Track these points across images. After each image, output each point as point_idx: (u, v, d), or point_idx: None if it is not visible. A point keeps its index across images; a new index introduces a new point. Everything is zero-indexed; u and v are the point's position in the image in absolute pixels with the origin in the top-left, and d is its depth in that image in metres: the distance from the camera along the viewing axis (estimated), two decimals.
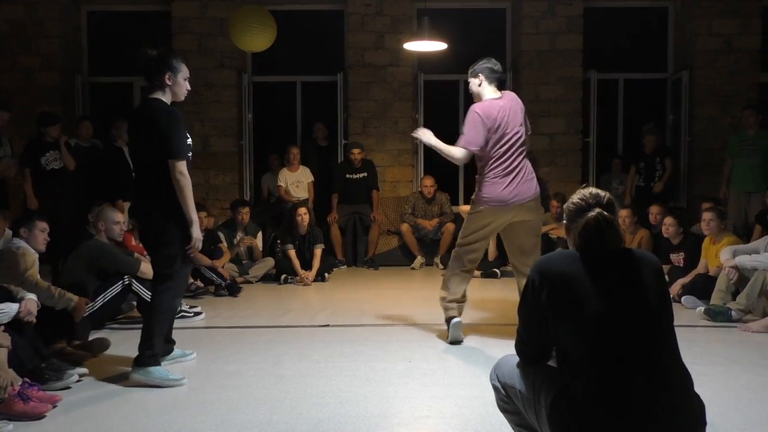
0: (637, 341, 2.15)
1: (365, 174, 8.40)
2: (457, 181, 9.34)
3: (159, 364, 3.80)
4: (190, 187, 3.71)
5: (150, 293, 4.31)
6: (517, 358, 2.47)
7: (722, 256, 5.44)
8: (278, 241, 7.60)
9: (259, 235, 7.63)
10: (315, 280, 7.17)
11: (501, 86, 4.58)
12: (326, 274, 7.37)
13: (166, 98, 3.81)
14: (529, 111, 4.84)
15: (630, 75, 9.43)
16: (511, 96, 4.54)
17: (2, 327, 3.44)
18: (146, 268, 4.91)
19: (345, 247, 8.37)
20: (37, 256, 4.53)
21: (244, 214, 7.33)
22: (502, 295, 6.24)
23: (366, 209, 8.40)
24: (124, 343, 4.57)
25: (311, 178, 8.46)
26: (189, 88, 3.92)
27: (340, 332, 4.96)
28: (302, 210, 7.34)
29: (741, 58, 8.73)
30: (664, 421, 2.10)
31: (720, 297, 5.39)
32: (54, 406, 3.33)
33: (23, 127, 7.67)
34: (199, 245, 3.80)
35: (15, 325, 3.56)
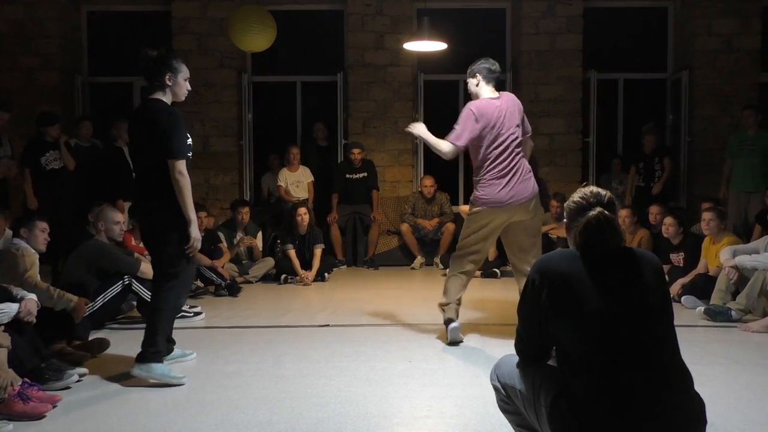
0: (637, 340, 2.16)
1: (365, 174, 8.40)
2: (457, 181, 9.34)
3: (161, 362, 3.81)
4: (189, 187, 3.72)
5: (150, 293, 4.33)
6: (516, 358, 2.47)
7: (722, 256, 5.44)
8: (278, 241, 7.60)
9: (259, 235, 7.63)
10: (315, 280, 7.17)
11: (499, 87, 4.59)
12: (326, 274, 7.37)
13: (166, 98, 3.82)
14: (528, 111, 4.84)
15: (630, 75, 9.43)
16: (509, 97, 4.54)
17: (2, 327, 3.44)
18: (146, 268, 4.92)
19: (345, 247, 8.37)
20: (37, 256, 4.53)
21: (244, 214, 7.33)
22: (502, 295, 6.24)
23: (366, 209, 8.40)
24: (124, 343, 4.57)
25: (311, 178, 8.46)
26: (189, 88, 3.93)
27: (340, 332, 4.96)
28: (302, 210, 7.34)
29: (741, 58, 8.73)
30: (664, 420, 2.10)
31: (720, 297, 5.39)
32: (54, 406, 3.33)
33: (23, 127, 7.67)
34: (198, 245, 3.80)
35: (15, 325, 3.56)
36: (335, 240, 8.23)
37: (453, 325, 4.48)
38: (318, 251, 7.29)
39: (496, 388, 2.55)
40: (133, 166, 4.05)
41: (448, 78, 9.14)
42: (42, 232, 4.58)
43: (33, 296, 3.79)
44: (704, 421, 2.20)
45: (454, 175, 9.29)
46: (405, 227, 8.27)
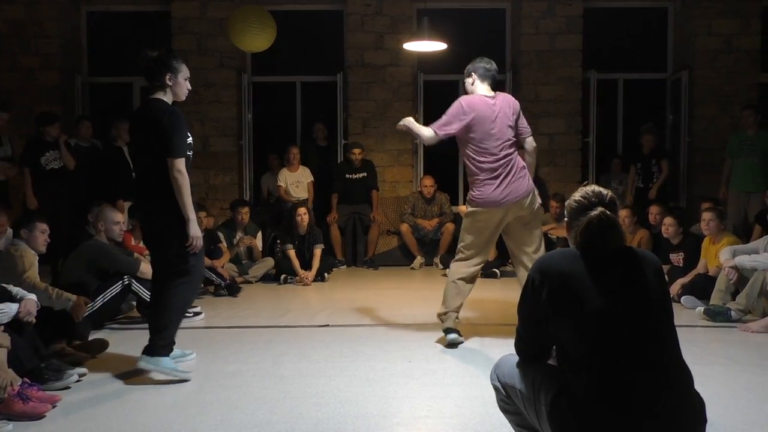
0: (638, 339, 2.16)
1: (365, 174, 8.40)
2: (456, 181, 9.34)
3: (168, 356, 3.84)
4: (188, 186, 3.74)
5: (149, 293, 4.33)
6: (516, 358, 2.47)
7: (722, 256, 5.44)
8: (278, 241, 7.60)
9: (259, 235, 7.63)
10: (315, 280, 7.17)
11: (499, 87, 4.59)
12: (326, 274, 7.37)
13: (167, 98, 3.84)
14: (528, 111, 4.85)
15: (629, 75, 9.43)
16: (505, 97, 4.54)
17: (2, 327, 3.44)
18: (146, 268, 4.92)
19: (345, 247, 8.37)
20: (36, 257, 4.54)
21: (244, 214, 7.32)
22: (502, 295, 6.24)
23: (366, 209, 8.40)
24: (124, 343, 4.57)
25: (311, 178, 8.46)
26: (189, 87, 3.96)
27: (340, 332, 4.96)
28: (302, 210, 7.34)
29: (740, 58, 8.74)
30: (664, 419, 2.10)
31: (719, 297, 5.39)
32: (53, 406, 3.33)
33: (23, 127, 7.66)
34: (199, 243, 3.81)
35: (15, 325, 3.56)
36: (335, 240, 8.23)
37: (451, 335, 4.46)
38: (318, 251, 7.29)
39: (496, 388, 2.55)
40: (134, 166, 4.06)
41: (447, 78, 9.14)
42: (42, 233, 4.59)
43: (33, 296, 3.79)
44: (704, 421, 2.20)
45: (453, 175, 9.29)
46: (405, 227, 8.27)
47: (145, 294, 4.80)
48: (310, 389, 3.61)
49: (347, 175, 8.39)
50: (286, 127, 9.59)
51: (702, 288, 5.70)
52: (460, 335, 4.49)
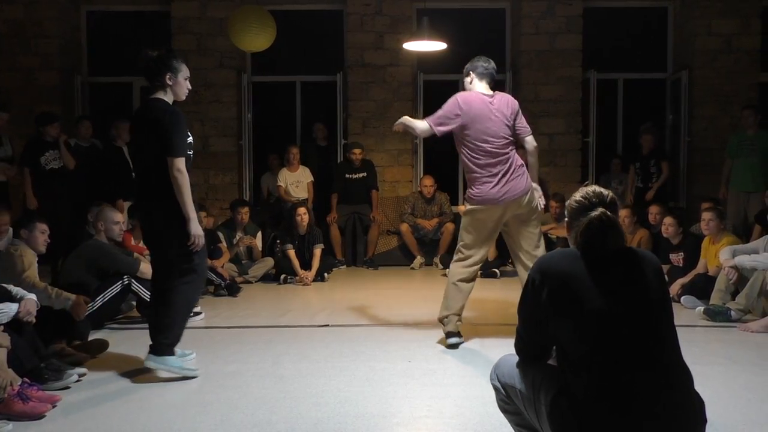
0: (638, 339, 2.16)
1: (365, 174, 8.40)
2: (456, 180, 9.34)
3: (174, 354, 3.86)
4: (188, 185, 3.75)
5: (149, 293, 4.33)
6: (516, 358, 2.47)
7: (722, 256, 5.44)
8: (278, 241, 7.60)
9: (259, 235, 7.63)
10: (314, 280, 7.17)
11: (499, 87, 4.59)
12: (326, 274, 7.37)
13: (167, 98, 3.86)
14: (528, 111, 4.84)
15: (629, 75, 9.43)
16: (503, 97, 4.54)
17: (2, 327, 3.44)
18: (145, 268, 4.92)
19: (344, 247, 8.37)
20: (35, 257, 4.54)
21: (244, 214, 7.32)
22: (502, 295, 6.24)
23: (365, 209, 8.39)
24: (124, 343, 4.57)
25: (311, 178, 8.46)
26: (190, 87, 3.97)
27: (340, 332, 4.96)
28: (302, 210, 7.34)
29: (740, 58, 8.74)
30: (664, 419, 2.10)
31: (719, 297, 5.39)
32: (53, 406, 3.33)
33: (23, 127, 7.66)
34: (201, 241, 3.82)
35: (14, 325, 3.55)
36: (335, 240, 8.23)
37: (452, 339, 4.45)
38: (317, 251, 7.29)
39: (495, 388, 2.55)
40: (134, 166, 4.08)
41: (447, 78, 9.13)
42: (42, 233, 4.59)
43: (32, 296, 3.79)
44: (704, 421, 2.20)
45: (453, 175, 9.29)
46: (404, 227, 8.27)
47: (145, 294, 4.80)
48: (309, 389, 3.61)
49: (347, 175, 8.39)
50: (286, 127, 9.59)
51: (702, 288, 5.70)
52: (461, 338, 4.48)
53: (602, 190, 2.38)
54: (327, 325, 5.15)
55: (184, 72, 3.88)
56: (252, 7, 7.27)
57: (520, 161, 4.51)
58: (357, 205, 8.39)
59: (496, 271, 7.47)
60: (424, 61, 8.83)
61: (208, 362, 4.17)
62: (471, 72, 4.55)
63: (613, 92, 9.39)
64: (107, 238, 5.24)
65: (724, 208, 6.63)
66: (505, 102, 4.50)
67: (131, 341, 4.60)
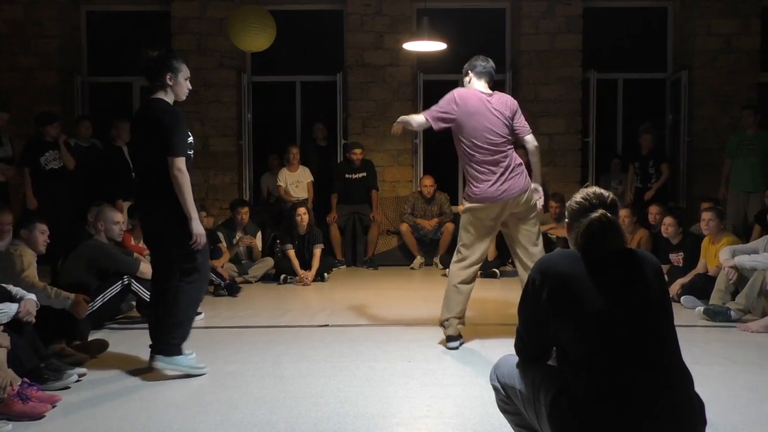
0: (638, 340, 2.16)
1: (364, 174, 8.40)
2: (456, 180, 9.34)
3: (182, 353, 3.88)
4: (189, 184, 3.76)
5: (149, 293, 4.34)
6: (516, 358, 2.47)
7: (721, 256, 5.44)
8: (278, 241, 7.60)
9: (259, 235, 7.63)
10: (314, 280, 7.17)
11: (499, 87, 4.59)
12: (325, 274, 7.37)
13: (168, 98, 3.87)
14: (528, 111, 4.84)
15: (629, 75, 9.43)
16: (502, 96, 4.54)
17: (1, 327, 3.44)
18: (145, 268, 4.92)
19: (344, 247, 8.37)
20: (35, 257, 4.53)
21: (244, 214, 7.32)
22: (502, 295, 6.24)
23: (365, 209, 8.40)
24: (124, 343, 4.57)
25: (311, 178, 8.46)
26: (190, 87, 3.99)
27: (340, 332, 4.96)
28: (302, 210, 7.34)
29: (740, 58, 8.74)
30: (664, 420, 2.10)
31: (719, 297, 5.39)
32: (53, 406, 3.33)
33: (23, 127, 7.66)
34: (203, 240, 3.84)
35: (14, 325, 3.55)
36: (335, 240, 8.23)
37: (452, 343, 4.44)
38: (317, 251, 7.29)
39: (495, 388, 2.55)
40: (134, 166, 4.09)
41: (447, 78, 9.10)
42: (42, 233, 4.59)
43: (32, 296, 3.79)
44: (704, 422, 2.20)
45: (453, 175, 9.29)
46: (404, 227, 8.27)
47: (145, 294, 4.80)
48: (309, 389, 3.61)
49: (347, 175, 8.39)
50: (285, 127, 9.59)
51: (702, 288, 5.70)
52: (461, 342, 4.48)
53: (602, 191, 2.38)
54: (327, 325, 5.15)
55: (184, 72, 3.89)
56: (252, 7, 7.27)
57: (519, 160, 4.51)
58: (357, 205, 8.39)
59: (496, 271, 7.47)
60: (424, 61, 8.83)
61: (208, 362, 4.16)
62: (469, 71, 4.56)
63: (613, 92, 9.39)
64: (107, 238, 5.24)
65: (723, 208, 6.63)
66: (504, 101, 4.50)
67: (131, 341, 4.60)
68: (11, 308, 3.55)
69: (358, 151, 8.31)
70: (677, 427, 2.12)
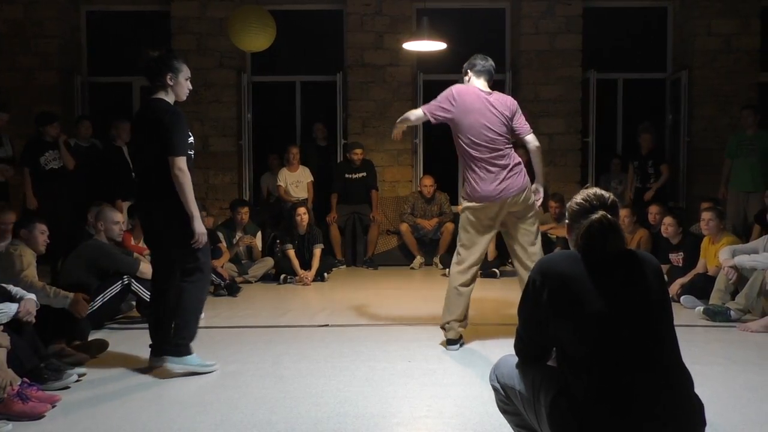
0: (639, 341, 2.16)
1: (364, 174, 8.40)
2: (456, 180, 9.34)
3: (192, 352, 3.91)
4: (190, 184, 3.78)
5: (149, 293, 4.34)
6: (516, 359, 2.47)
7: (721, 255, 5.44)
8: (277, 241, 7.60)
9: (259, 234, 7.63)
10: (314, 280, 7.17)
11: (499, 87, 4.59)
12: (325, 274, 7.37)
13: (168, 98, 3.89)
14: (528, 111, 4.83)
15: (629, 75, 9.43)
16: (502, 96, 4.53)
17: (1, 327, 3.44)
18: (145, 268, 4.93)
19: (344, 247, 8.37)
20: (34, 257, 4.53)
21: (244, 214, 7.32)
22: (502, 295, 6.24)
23: (365, 209, 8.40)
24: (124, 343, 4.57)
25: (311, 178, 8.47)
26: (191, 87, 4.01)
27: (340, 332, 4.96)
28: (301, 210, 7.34)
29: (740, 58, 8.74)
30: (664, 420, 2.10)
31: (719, 297, 5.39)
32: (53, 406, 3.33)
33: (23, 127, 7.66)
34: (204, 239, 3.86)
35: (14, 325, 3.56)
36: (335, 240, 8.23)
37: (452, 347, 4.42)
38: (317, 251, 7.29)
39: (495, 389, 2.55)
40: (135, 166, 4.10)
41: (447, 78, 9.07)
42: (41, 233, 4.59)
43: (32, 296, 3.80)
44: (704, 422, 2.20)
45: (453, 175, 9.28)
46: (404, 227, 8.27)
47: (145, 294, 4.80)
48: (309, 389, 3.61)
49: (347, 175, 8.39)
50: (285, 126, 9.59)
51: (701, 288, 5.71)
52: (461, 344, 4.47)
53: (603, 192, 2.38)
54: (327, 325, 5.15)
55: (185, 72, 3.91)
56: (252, 7, 7.27)
57: (518, 159, 4.49)
58: (357, 205, 8.39)
59: (496, 271, 7.48)
60: (424, 61, 8.83)
61: None
62: (469, 70, 4.56)
63: (612, 92, 9.39)
64: (107, 238, 5.24)
65: (723, 208, 6.63)
66: (503, 101, 4.50)
67: (131, 341, 4.60)
68: (11, 308, 3.55)
69: (359, 151, 8.31)
70: (677, 428, 2.12)
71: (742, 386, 3.67)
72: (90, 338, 4.52)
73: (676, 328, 2.27)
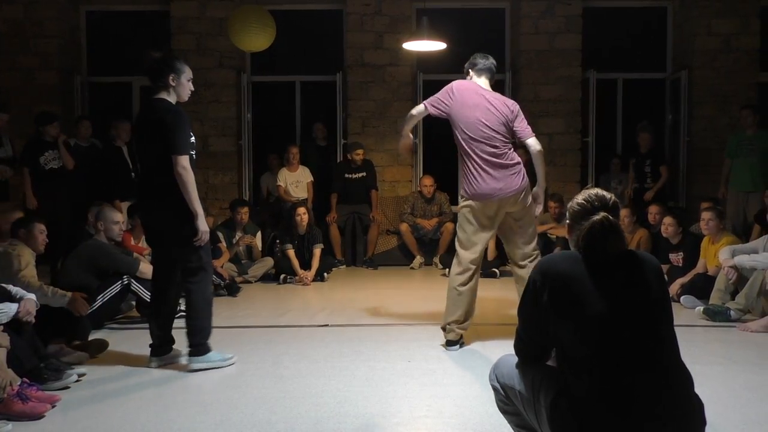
0: (639, 342, 2.16)
1: (364, 174, 8.40)
2: (456, 180, 9.32)
3: (212, 349, 4.00)
4: (194, 182, 3.85)
5: (149, 293, 4.35)
6: (516, 359, 2.47)
7: (721, 255, 5.44)
8: (277, 241, 7.60)
9: (258, 234, 7.63)
10: (314, 280, 7.17)
11: (498, 87, 4.59)
12: (325, 274, 7.37)
13: (171, 98, 3.94)
14: (528, 111, 4.82)
15: (629, 75, 9.43)
16: (501, 97, 4.53)
17: (1, 327, 3.44)
18: (145, 268, 4.94)
19: (344, 246, 8.37)
20: (33, 256, 4.53)
21: (243, 213, 7.32)
22: (501, 294, 6.24)
23: (365, 209, 8.39)
24: (124, 343, 4.57)
25: (310, 178, 8.47)
26: (192, 88, 4.06)
27: (339, 332, 4.96)
28: (301, 210, 7.34)
29: (740, 57, 8.74)
30: (665, 420, 2.10)
31: (719, 297, 5.39)
32: (53, 406, 3.33)
33: (23, 127, 7.65)
34: (206, 237, 3.89)
35: (14, 325, 3.56)
36: (334, 240, 8.23)
37: (452, 348, 4.42)
38: (317, 251, 7.29)
39: (495, 389, 2.55)
40: (140, 167, 4.14)
41: (447, 78, 8.99)
42: (40, 233, 4.59)
43: (32, 296, 3.80)
44: (704, 422, 2.20)
45: (453, 175, 9.26)
46: (404, 227, 8.27)
47: (145, 294, 4.81)
48: (309, 389, 3.61)
49: (347, 175, 8.39)
50: (285, 126, 9.59)
51: (701, 288, 5.71)
52: (461, 344, 4.47)
53: (604, 193, 2.37)
54: (327, 325, 5.15)
55: (187, 73, 3.96)
56: (252, 7, 7.27)
57: (518, 159, 4.48)
58: (357, 204, 8.39)
59: (496, 271, 7.47)
60: (424, 60, 8.83)
61: None
62: (470, 69, 4.58)
63: (612, 92, 9.39)
64: (107, 238, 5.24)
65: (723, 208, 6.63)
66: (504, 100, 4.50)
67: (131, 341, 4.60)
68: (11, 308, 3.55)
69: (360, 151, 8.31)
70: (677, 428, 2.12)
71: (742, 386, 3.67)
72: (90, 338, 4.52)
73: (676, 328, 2.27)
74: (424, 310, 5.50)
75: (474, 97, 4.41)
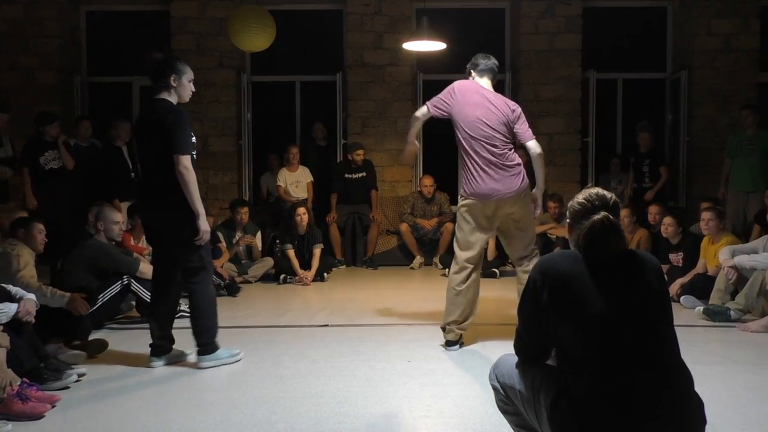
0: (640, 342, 2.16)
1: (364, 174, 8.40)
2: (456, 180, 9.32)
3: (219, 347, 4.05)
4: (195, 182, 3.86)
5: (149, 293, 4.36)
6: (515, 358, 2.47)
7: (721, 255, 5.44)
8: (277, 241, 7.60)
9: (258, 234, 7.63)
10: (314, 280, 7.17)
11: (499, 88, 4.60)
12: (325, 274, 7.37)
13: (172, 99, 3.95)
14: (528, 111, 4.82)
15: (629, 75, 9.43)
16: (503, 98, 4.53)
17: (1, 327, 3.44)
18: (145, 268, 4.94)
19: (344, 246, 8.37)
20: (33, 256, 4.53)
21: (243, 214, 7.32)
22: (501, 294, 6.24)
23: (365, 209, 8.39)
24: (124, 343, 4.57)
25: (310, 178, 8.46)
26: (193, 89, 4.09)
27: (339, 332, 4.96)
28: (301, 210, 7.34)
29: (740, 57, 8.74)
30: (665, 420, 2.10)
31: (719, 297, 5.39)
32: (53, 406, 3.33)
33: (22, 127, 7.66)
34: (207, 236, 3.91)
35: (14, 325, 3.56)
36: (334, 240, 8.23)
37: (451, 348, 4.41)
38: (317, 251, 7.29)
39: (495, 389, 2.55)
40: (141, 168, 4.16)
41: (447, 78, 9.02)
42: (39, 233, 4.59)
43: (32, 296, 3.80)
44: (704, 421, 2.20)
45: (453, 175, 9.26)
46: (404, 227, 8.27)
47: (145, 294, 4.81)
48: (309, 389, 3.62)
49: (347, 175, 8.39)
50: (285, 126, 9.59)
51: (701, 288, 5.71)
52: (460, 345, 4.46)
53: (605, 192, 2.37)
54: (327, 325, 5.15)
55: (188, 74, 3.99)
56: (252, 7, 7.27)
57: (518, 160, 4.47)
58: (357, 204, 8.39)
59: (496, 271, 7.47)
60: (424, 60, 8.83)
61: None
62: (472, 70, 4.58)
63: (612, 92, 9.39)
64: (107, 238, 5.24)
65: (723, 208, 6.63)
66: (505, 101, 4.50)
67: (131, 341, 4.60)
68: (11, 308, 3.55)
69: (361, 152, 8.31)
70: (677, 427, 2.12)
71: (742, 386, 3.67)
72: (90, 338, 4.52)
73: (676, 328, 2.27)
74: (424, 310, 5.51)
75: (475, 97, 4.42)
